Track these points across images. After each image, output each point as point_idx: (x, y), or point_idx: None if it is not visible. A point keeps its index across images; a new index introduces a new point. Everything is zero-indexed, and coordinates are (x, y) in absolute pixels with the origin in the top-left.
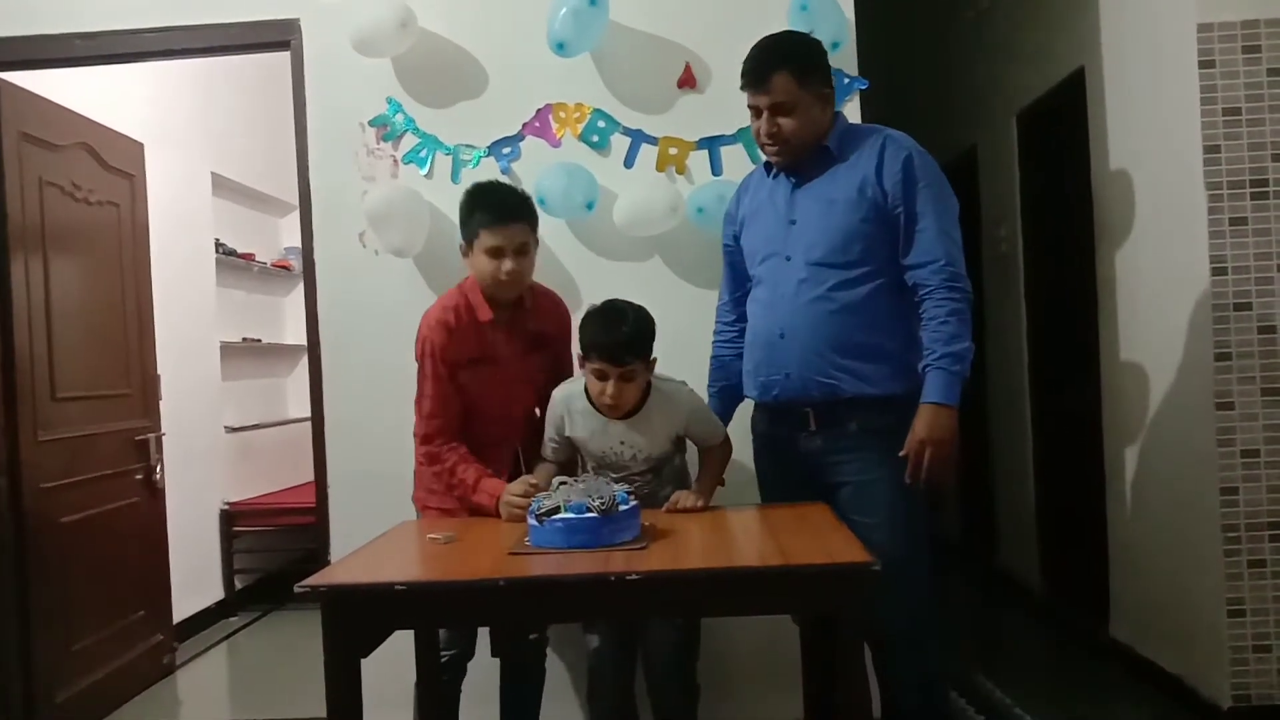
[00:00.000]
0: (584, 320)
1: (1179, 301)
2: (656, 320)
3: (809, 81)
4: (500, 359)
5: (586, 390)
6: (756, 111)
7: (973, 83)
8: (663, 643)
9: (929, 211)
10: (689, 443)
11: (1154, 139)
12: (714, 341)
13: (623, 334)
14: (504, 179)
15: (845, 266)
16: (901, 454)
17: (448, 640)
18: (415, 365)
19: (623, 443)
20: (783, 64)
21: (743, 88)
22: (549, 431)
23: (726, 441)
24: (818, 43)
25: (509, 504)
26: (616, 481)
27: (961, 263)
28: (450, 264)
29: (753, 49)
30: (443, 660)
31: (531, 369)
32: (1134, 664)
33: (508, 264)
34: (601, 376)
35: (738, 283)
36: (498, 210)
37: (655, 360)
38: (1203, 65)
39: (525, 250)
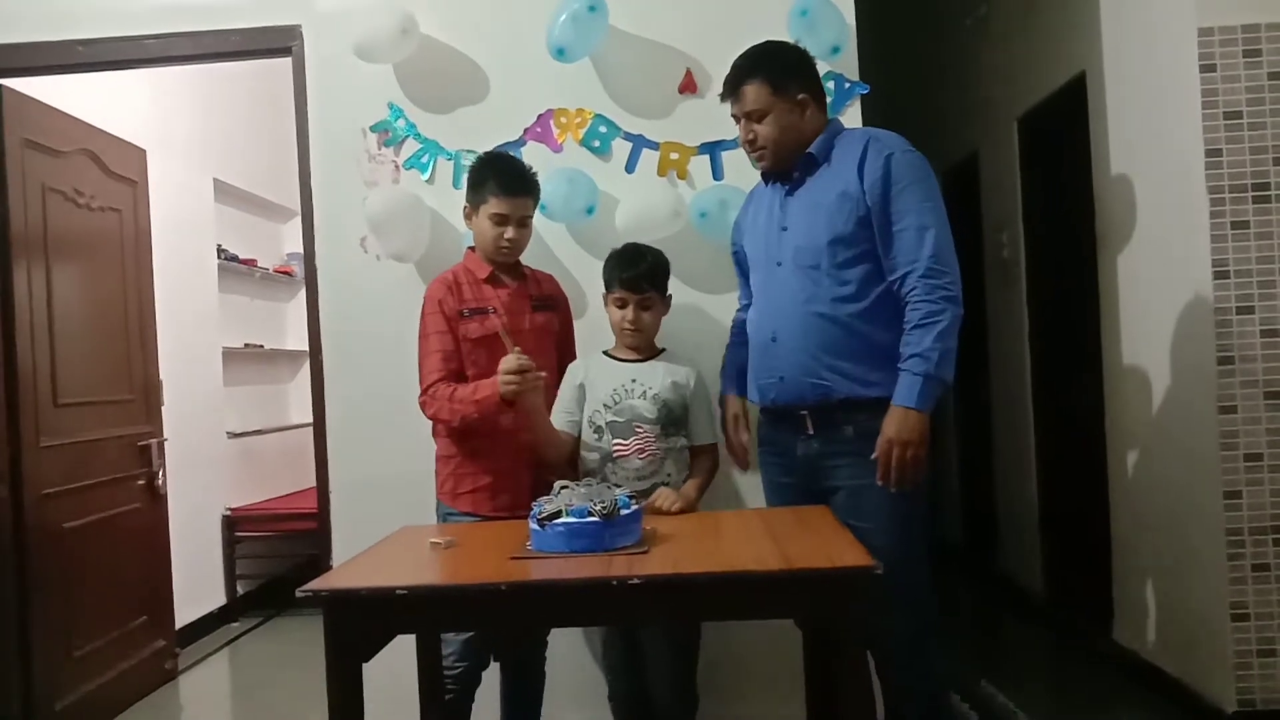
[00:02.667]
0: (607, 259)
1: (1181, 305)
2: (663, 323)
3: (782, 88)
4: (501, 311)
5: (604, 352)
6: (737, 120)
7: (974, 88)
8: (660, 651)
9: (908, 211)
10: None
11: (1155, 143)
12: (732, 332)
13: (642, 265)
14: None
15: (834, 269)
16: (872, 456)
17: (461, 652)
18: (416, 368)
19: (634, 380)
20: (753, 73)
21: (721, 100)
22: (561, 395)
23: (715, 451)
24: (798, 50)
25: (504, 380)
26: (624, 435)
27: (946, 260)
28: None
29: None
30: (456, 672)
31: (540, 325)
32: (1137, 669)
33: (509, 232)
34: (622, 305)
35: (749, 288)
36: (510, 181)
37: (670, 297)
38: (1203, 69)
39: (526, 223)
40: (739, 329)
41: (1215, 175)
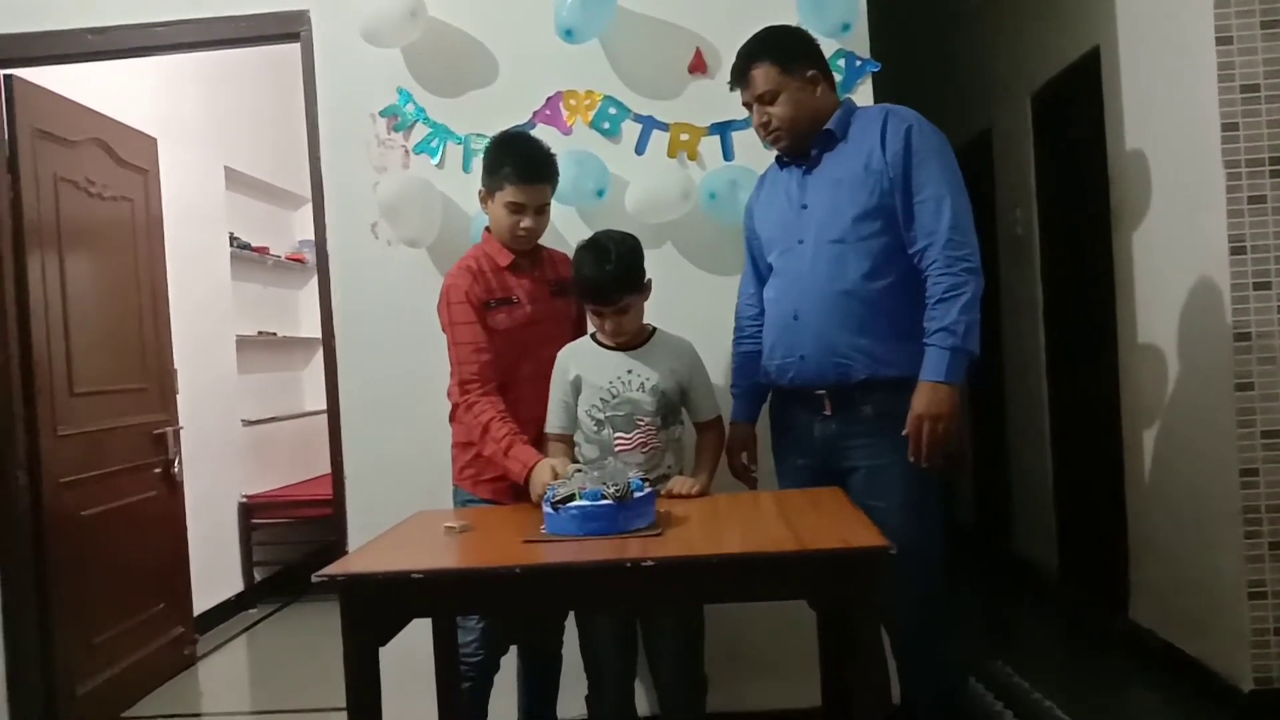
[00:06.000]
0: (574, 261)
1: (1197, 281)
2: (671, 306)
3: (791, 67)
4: (525, 300)
5: (593, 336)
6: (749, 107)
7: (986, 64)
8: (671, 635)
9: (928, 182)
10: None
11: (1171, 117)
12: (736, 339)
13: (609, 274)
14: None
15: (858, 244)
16: (903, 433)
17: (480, 641)
18: (429, 354)
19: (630, 371)
20: (760, 56)
21: (731, 89)
22: (554, 392)
23: (721, 424)
24: (799, 30)
25: (538, 491)
26: (626, 429)
27: (965, 231)
28: (463, 253)
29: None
30: (475, 660)
31: (560, 311)
32: (1154, 648)
33: (526, 221)
34: (599, 314)
35: (758, 277)
36: (527, 170)
37: (650, 282)
38: (1220, 42)
39: (544, 210)
40: (746, 332)
41: (1232, 150)
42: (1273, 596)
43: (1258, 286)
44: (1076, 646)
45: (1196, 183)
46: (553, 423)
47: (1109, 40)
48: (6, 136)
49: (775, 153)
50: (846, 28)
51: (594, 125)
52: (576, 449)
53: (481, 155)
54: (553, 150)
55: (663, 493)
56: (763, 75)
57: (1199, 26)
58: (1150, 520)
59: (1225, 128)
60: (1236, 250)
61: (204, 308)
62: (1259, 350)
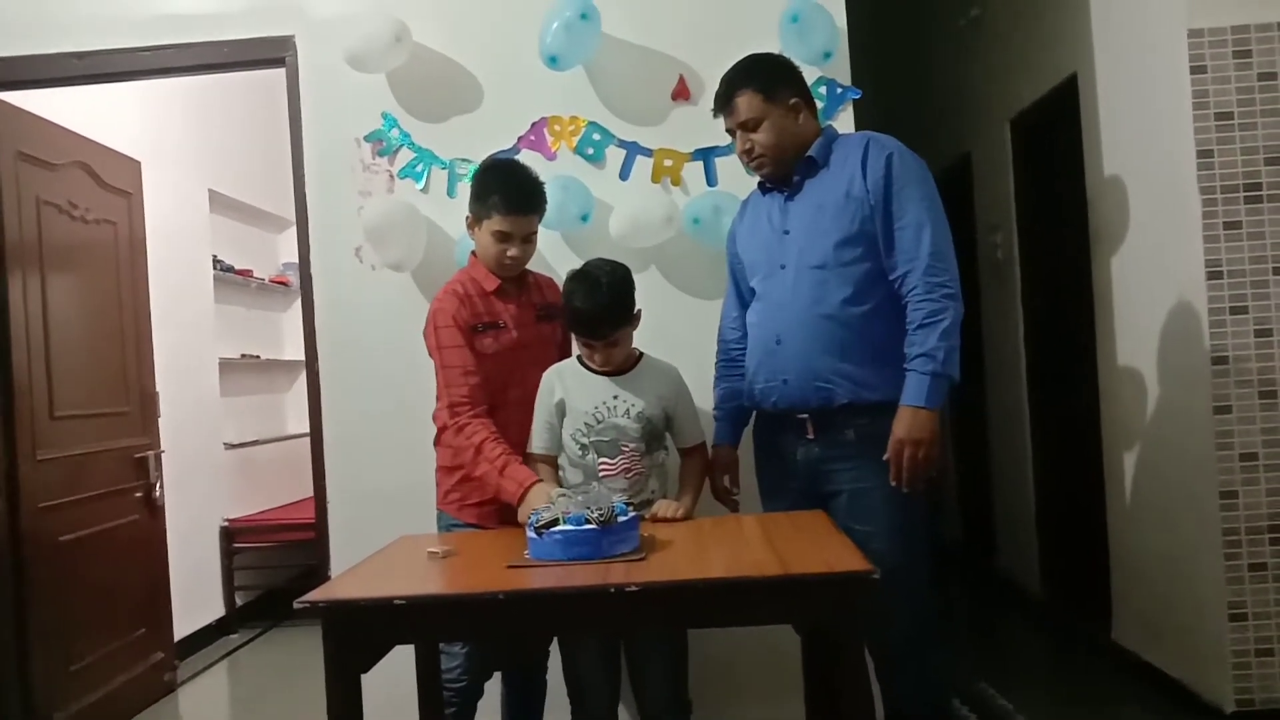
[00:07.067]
0: (564, 292)
1: (1175, 306)
2: (655, 330)
3: (774, 94)
4: (511, 325)
5: (579, 358)
6: (732, 134)
7: (966, 91)
8: (655, 658)
9: (908, 209)
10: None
11: (1147, 144)
12: (719, 362)
13: (599, 308)
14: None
15: (839, 269)
16: (884, 458)
17: (464, 666)
18: (412, 377)
19: (616, 397)
20: (744, 84)
21: (714, 115)
22: (539, 413)
23: (705, 449)
24: (781, 58)
25: (524, 515)
26: (610, 455)
27: (945, 258)
28: (447, 278)
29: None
30: (459, 686)
31: (545, 336)
32: (1136, 669)
33: (513, 250)
34: (589, 345)
35: (741, 301)
36: (515, 200)
37: (640, 312)
38: (1194, 70)
39: (531, 239)
40: (729, 355)
41: (1207, 176)
42: (1254, 618)
43: (1234, 311)
44: (1059, 667)
45: (1173, 208)
46: (536, 443)
47: (1086, 68)
48: None
49: (758, 179)
50: (828, 56)
51: (578, 151)
52: (560, 472)
53: (467, 180)
54: (541, 178)
55: (647, 516)
56: (746, 102)
57: (1174, 55)
58: (1131, 541)
59: (1200, 154)
60: (1213, 275)
61: (186, 330)
62: (1236, 374)
